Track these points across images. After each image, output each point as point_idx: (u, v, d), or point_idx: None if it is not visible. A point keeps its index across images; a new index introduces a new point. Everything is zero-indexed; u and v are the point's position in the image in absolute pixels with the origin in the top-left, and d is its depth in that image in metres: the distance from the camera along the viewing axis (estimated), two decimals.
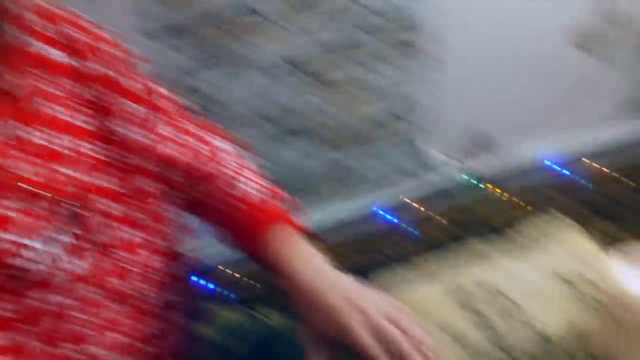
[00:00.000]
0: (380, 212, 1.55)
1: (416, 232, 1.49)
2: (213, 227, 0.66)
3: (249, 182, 0.65)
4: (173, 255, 0.64)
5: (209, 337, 0.75)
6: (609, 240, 1.34)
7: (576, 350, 0.55)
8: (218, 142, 0.68)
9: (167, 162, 0.62)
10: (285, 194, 0.66)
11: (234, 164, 0.66)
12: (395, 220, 1.52)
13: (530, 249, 0.66)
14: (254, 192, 0.64)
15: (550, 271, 0.63)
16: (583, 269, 0.62)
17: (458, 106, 1.50)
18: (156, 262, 0.61)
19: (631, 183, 1.47)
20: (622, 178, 1.49)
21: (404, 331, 0.52)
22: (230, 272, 1.47)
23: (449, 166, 1.56)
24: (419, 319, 0.59)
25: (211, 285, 1.44)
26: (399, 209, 1.55)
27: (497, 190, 1.53)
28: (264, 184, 0.66)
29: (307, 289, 0.55)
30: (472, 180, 1.56)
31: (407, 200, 1.55)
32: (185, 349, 0.67)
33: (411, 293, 0.63)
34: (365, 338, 0.51)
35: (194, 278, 0.74)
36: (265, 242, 0.60)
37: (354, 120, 1.42)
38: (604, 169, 1.52)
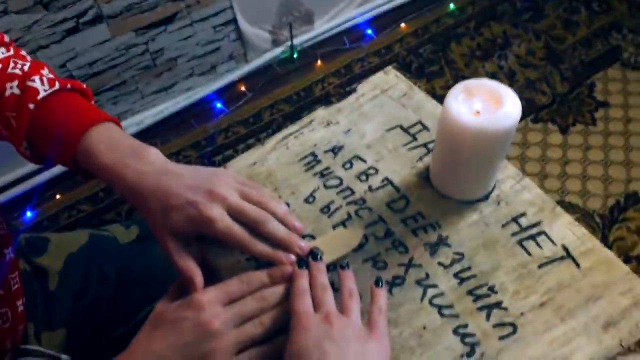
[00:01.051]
0: (209, 98, 1.46)
1: (247, 116, 1.44)
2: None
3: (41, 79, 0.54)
4: None
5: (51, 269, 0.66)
6: (431, 90, 1.46)
7: (415, 189, 0.58)
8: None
9: None
10: (83, 85, 0.56)
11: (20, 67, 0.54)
12: (221, 106, 1.45)
13: (367, 107, 0.66)
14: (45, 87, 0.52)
15: (392, 124, 0.64)
16: (419, 117, 0.64)
17: None
18: None
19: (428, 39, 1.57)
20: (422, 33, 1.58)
21: (261, 205, 0.51)
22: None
23: (270, 41, 1.49)
24: (269, 190, 0.59)
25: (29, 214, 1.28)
26: (226, 91, 1.47)
27: (320, 62, 1.53)
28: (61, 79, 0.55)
29: (153, 190, 0.49)
30: (294, 53, 1.53)
31: (234, 82, 1.48)
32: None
33: (260, 166, 0.62)
34: (231, 226, 0.49)
35: None
36: (86, 151, 0.51)
37: None
38: (406, 25, 1.59)
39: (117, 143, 0.51)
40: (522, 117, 1.39)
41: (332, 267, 0.52)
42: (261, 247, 0.50)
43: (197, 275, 0.49)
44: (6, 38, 0.57)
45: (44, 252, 0.67)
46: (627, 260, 1.14)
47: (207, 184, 0.50)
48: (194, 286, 0.48)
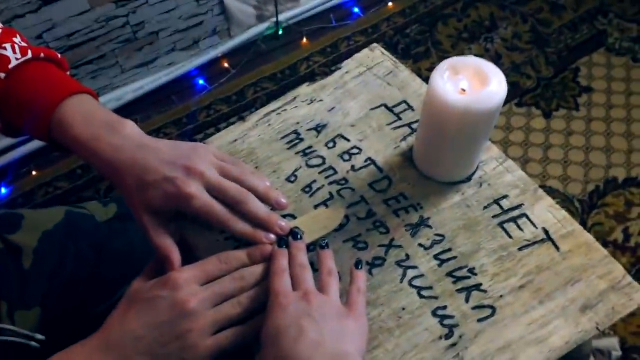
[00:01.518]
0: (191, 74, 1.43)
1: (230, 93, 1.42)
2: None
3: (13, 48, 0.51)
4: None
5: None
6: (417, 71, 1.45)
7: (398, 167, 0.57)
8: None
9: None
10: (57, 54, 0.54)
11: None
12: (203, 82, 1.43)
13: (351, 85, 0.64)
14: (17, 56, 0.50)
15: (376, 103, 0.62)
16: (404, 96, 0.63)
17: None
18: None
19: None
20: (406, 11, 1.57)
21: (241, 182, 0.50)
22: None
23: (255, 17, 1.46)
24: (250, 165, 0.58)
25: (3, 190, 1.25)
26: (208, 67, 1.44)
27: (305, 40, 1.51)
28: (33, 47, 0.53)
29: (129, 165, 0.48)
30: (279, 30, 1.50)
31: (216, 58, 1.45)
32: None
33: (241, 143, 0.61)
34: (211, 203, 0.48)
35: None
36: (60, 123, 0.49)
37: None
38: (393, 4, 1.58)
39: (92, 115, 0.50)
40: (507, 101, 1.40)
41: (312, 248, 0.51)
42: (241, 226, 0.49)
43: (174, 253, 0.48)
44: None
45: (17, 229, 0.65)
46: (604, 244, 1.16)
47: (186, 159, 0.48)
48: (171, 264, 0.47)
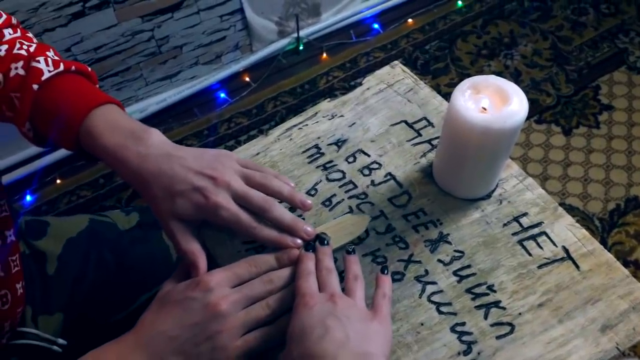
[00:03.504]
0: (213, 87, 1.45)
1: (250, 107, 1.44)
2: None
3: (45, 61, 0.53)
4: None
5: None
6: (436, 87, 1.45)
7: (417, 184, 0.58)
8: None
9: None
10: (88, 67, 0.56)
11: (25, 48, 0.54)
12: (225, 96, 1.45)
13: (372, 101, 0.65)
14: (50, 68, 0.53)
15: (396, 119, 0.63)
16: (424, 113, 0.63)
17: None
18: None
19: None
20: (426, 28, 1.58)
21: (265, 187, 0.51)
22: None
23: (276, 32, 1.49)
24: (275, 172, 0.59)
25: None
26: (230, 81, 1.47)
27: (325, 55, 1.52)
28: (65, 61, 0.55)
29: (156, 175, 0.49)
30: (300, 45, 1.52)
31: (238, 72, 1.48)
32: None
33: (263, 157, 0.62)
34: (238, 212, 0.49)
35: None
36: (88, 132, 0.51)
37: None
38: (413, 21, 1.59)
39: (119, 124, 0.51)
40: (527, 118, 1.39)
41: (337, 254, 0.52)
42: (267, 232, 0.50)
43: (201, 259, 0.49)
44: (13, 20, 0.57)
45: (43, 236, 0.67)
46: (625, 264, 1.14)
47: (212, 169, 0.49)
48: (198, 270, 0.48)
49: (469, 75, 1.47)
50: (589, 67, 1.48)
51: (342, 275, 0.50)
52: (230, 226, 0.49)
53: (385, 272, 0.50)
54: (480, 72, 1.47)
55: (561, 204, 1.22)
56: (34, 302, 0.62)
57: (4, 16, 0.56)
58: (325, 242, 0.51)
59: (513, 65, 1.49)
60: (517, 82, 1.44)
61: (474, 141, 0.49)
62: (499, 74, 1.45)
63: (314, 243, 0.51)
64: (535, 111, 1.39)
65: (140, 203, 1.26)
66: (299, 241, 0.50)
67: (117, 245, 0.71)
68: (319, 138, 0.63)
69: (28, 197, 1.29)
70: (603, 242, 1.18)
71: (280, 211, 0.50)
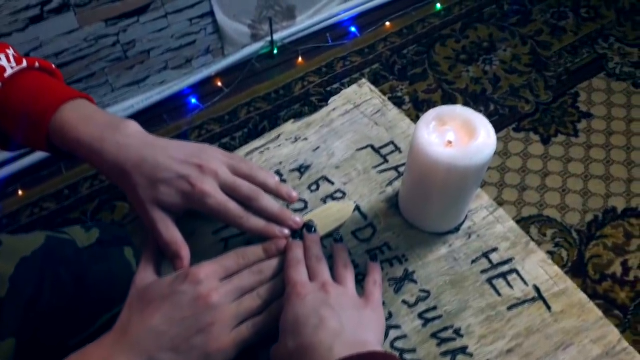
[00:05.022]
0: (183, 93, 1.40)
1: (223, 113, 1.40)
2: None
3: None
4: None
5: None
6: (410, 98, 1.42)
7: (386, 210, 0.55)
8: None
9: None
10: (52, 65, 0.54)
11: None
12: (196, 101, 1.40)
13: (338, 123, 0.62)
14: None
15: (363, 144, 0.60)
16: (392, 137, 0.60)
17: None
18: None
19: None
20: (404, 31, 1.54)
21: (252, 178, 0.50)
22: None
23: (249, 36, 1.44)
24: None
25: None
26: (201, 87, 1.42)
27: (301, 59, 1.48)
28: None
29: (137, 163, 0.47)
30: (274, 49, 1.48)
31: (210, 77, 1.43)
32: None
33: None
34: (226, 201, 0.48)
35: None
36: (61, 126, 0.49)
37: None
38: (390, 24, 1.55)
39: (93, 117, 0.49)
40: (505, 126, 1.37)
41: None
42: (255, 222, 0.49)
43: (185, 250, 0.48)
44: None
45: None
46: (602, 278, 1.13)
47: (197, 158, 0.48)
48: (182, 261, 0.47)
49: (447, 82, 1.45)
50: (568, 74, 1.46)
51: (330, 263, 0.49)
52: (217, 215, 0.48)
53: (376, 259, 0.50)
54: (459, 78, 1.44)
55: (539, 216, 1.21)
56: None
57: None
58: (313, 229, 0.50)
59: (492, 71, 1.47)
60: (495, 89, 1.41)
61: (440, 177, 0.45)
62: (477, 80, 1.42)
63: (301, 231, 0.50)
64: (514, 119, 1.37)
65: (105, 217, 1.21)
66: (287, 231, 0.50)
67: (75, 263, 0.67)
68: (280, 163, 0.59)
69: None
70: (580, 255, 1.16)
71: (268, 201, 0.50)
